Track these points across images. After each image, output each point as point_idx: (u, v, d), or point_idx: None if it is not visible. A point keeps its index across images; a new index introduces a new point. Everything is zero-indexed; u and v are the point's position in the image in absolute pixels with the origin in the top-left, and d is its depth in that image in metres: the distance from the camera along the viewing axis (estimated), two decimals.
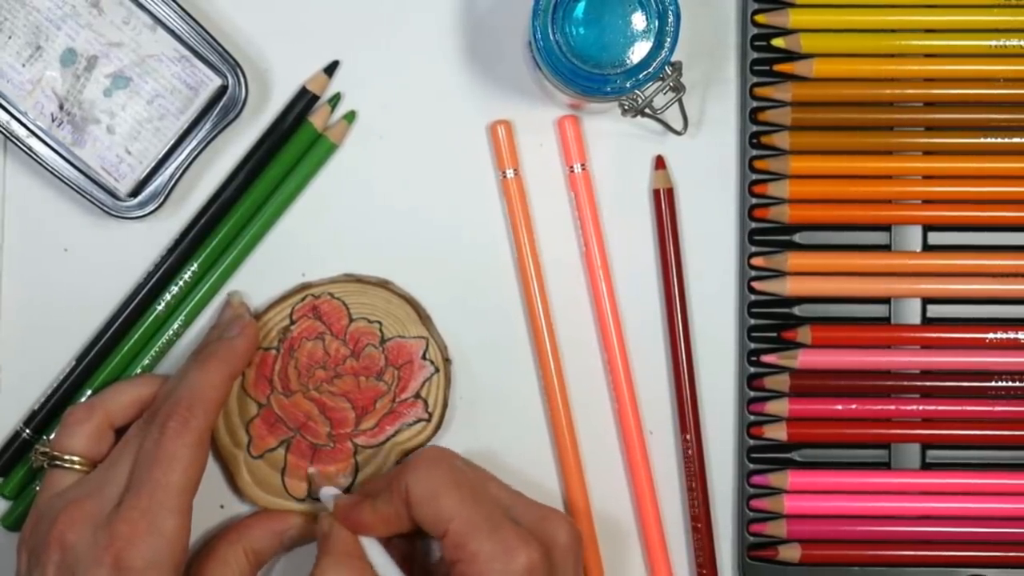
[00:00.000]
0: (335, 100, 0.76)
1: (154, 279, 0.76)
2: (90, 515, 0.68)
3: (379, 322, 0.75)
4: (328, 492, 0.74)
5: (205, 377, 0.71)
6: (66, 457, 0.72)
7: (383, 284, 0.76)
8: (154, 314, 0.76)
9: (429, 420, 0.76)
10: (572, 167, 0.77)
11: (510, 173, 0.76)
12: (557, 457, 0.77)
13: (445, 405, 0.76)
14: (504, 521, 0.69)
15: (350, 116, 0.77)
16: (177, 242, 0.76)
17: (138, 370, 0.76)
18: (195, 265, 0.76)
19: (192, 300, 0.76)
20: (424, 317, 0.76)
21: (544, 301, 0.76)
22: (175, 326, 0.76)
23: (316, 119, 0.76)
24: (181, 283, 0.76)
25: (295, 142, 0.76)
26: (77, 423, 0.72)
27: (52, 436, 0.74)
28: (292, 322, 0.76)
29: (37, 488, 0.74)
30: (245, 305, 0.76)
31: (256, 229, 0.76)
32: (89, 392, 0.76)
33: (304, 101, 0.76)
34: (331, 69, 0.76)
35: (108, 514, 0.68)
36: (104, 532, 0.67)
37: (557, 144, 0.77)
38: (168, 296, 0.76)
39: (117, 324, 0.76)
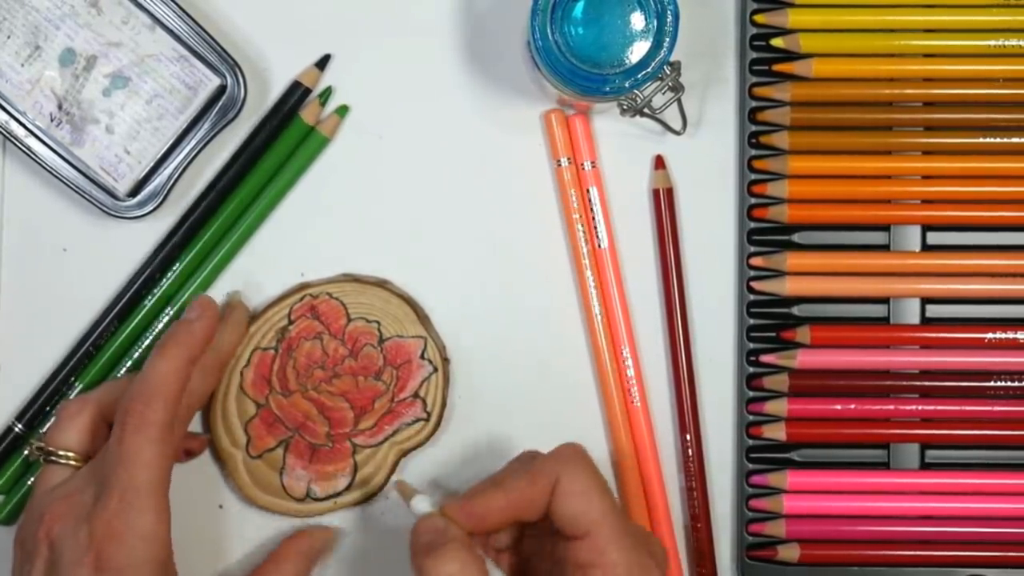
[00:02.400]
0: (326, 94, 0.76)
1: (144, 275, 0.76)
2: (74, 513, 0.68)
3: (377, 322, 0.75)
4: (422, 500, 0.69)
5: (162, 365, 0.69)
6: (60, 452, 0.71)
7: (381, 284, 0.76)
8: (144, 310, 0.76)
9: (428, 419, 0.76)
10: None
11: (564, 162, 0.76)
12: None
13: (444, 404, 0.76)
14: (641, 538, 0.67)
15: (342, 110, 0.76)
16: (167, 238, 0.76)
17: (128, 364, 0.76)
18: (184, 261, 0.76)
19: (182, 296, 0.76)
20: (422, 317, 0.76)
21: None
22: (164, 321, 0.76)
23: (307, 113, 0.76)
24: (171, 278, 0.76)
25: (286, 137, 0.76)
26: (70, 417, 0.72)
27: (46, 430, 0.74)
28: (290, 322, 0.76)
29: (31, 482, 0.75)
30: (244, 305, 0.76)
31: (248, 223, 0.76)
32: (79, 387, 0.76)
33: (296, 95, 0.76)
34: (323, 63, 0.76)
35: (89, 512, 0.67)
36: (85, 531, 0.67)
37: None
38: (158, 292, 0.76)
39: (107, 321, 0.76)
